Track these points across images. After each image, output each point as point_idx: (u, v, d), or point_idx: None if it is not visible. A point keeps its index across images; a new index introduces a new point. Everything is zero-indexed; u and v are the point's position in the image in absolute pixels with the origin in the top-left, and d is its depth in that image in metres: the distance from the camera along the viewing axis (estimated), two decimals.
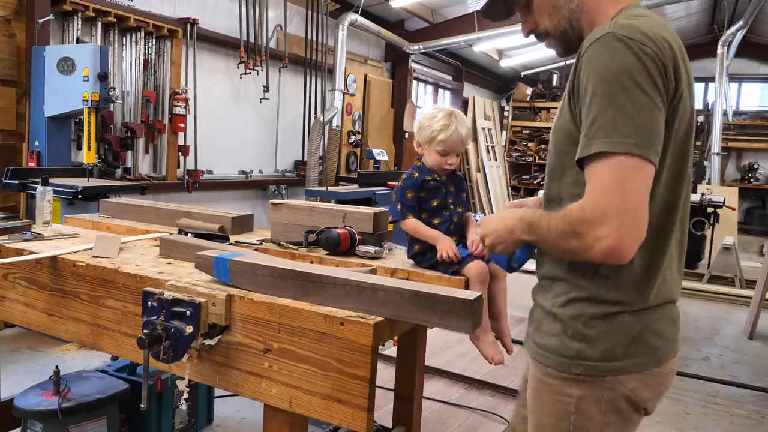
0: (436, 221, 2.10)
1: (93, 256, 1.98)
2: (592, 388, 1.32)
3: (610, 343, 1.31)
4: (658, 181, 1.26)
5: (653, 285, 1.33)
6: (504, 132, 14.98)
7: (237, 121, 7.76)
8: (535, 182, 14.14)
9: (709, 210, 7.99)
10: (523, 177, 14.64)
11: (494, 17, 1.63)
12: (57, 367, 2.65)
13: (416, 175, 2.11)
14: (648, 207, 1.21)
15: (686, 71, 1.29)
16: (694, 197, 8.22)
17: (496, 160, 13.43)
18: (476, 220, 2.11)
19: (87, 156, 4.73)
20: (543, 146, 14.56)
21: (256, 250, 2.13)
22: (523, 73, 15.44)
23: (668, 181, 1.30)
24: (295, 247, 2.20)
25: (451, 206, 2.13)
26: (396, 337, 2.44)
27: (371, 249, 2.14)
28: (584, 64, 1.25)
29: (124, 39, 6.07)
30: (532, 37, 1.55)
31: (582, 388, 1.32)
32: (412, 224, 2.07)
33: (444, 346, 3.94)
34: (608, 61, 1.20)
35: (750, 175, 14.16)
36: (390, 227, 2.37)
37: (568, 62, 11.27)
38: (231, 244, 2.20)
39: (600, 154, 1.18)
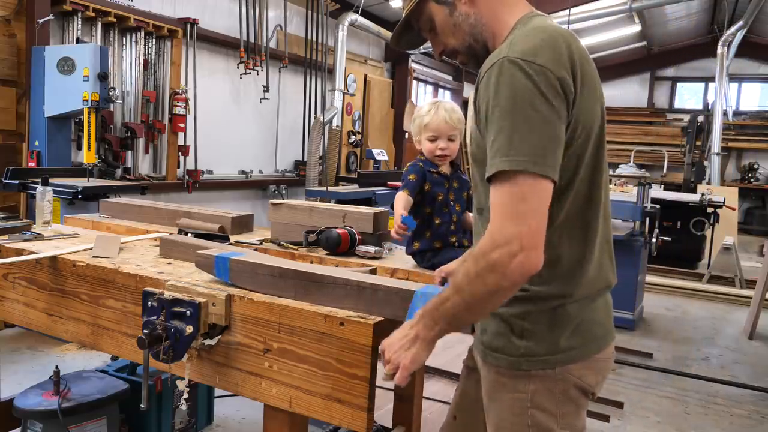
0: (437, 220, 2.10)
1: (93, 256, 1.98)
2: (545, 382, 1.38)
3: (555, 337, 1.37)
4: (576, 178, 1.34)
5: (588, 273, 1.40)
6: None
7: (237, 121, 7.77)
8: None
9: (709, 210, 7.98)
10: None
11: (407, 47, 1.71)
12: (57, 367, 2.65)
13: (421, 164, 2.14)
14: (566, 208, 1.34)
15: (589, 75, 1.35)
16: (695, 197, 8.24)
17: None
18: None
19: (87, 156, 4.73)
20: None
21: (256, 250, 2.13)
22: None
23: (586, 177, 1.37)
24: (295, 247, 2.20)
25: (452, 203, 2.13)
26: None
27: (371, 249, 2.14)
28: (482, 88, 1.31)
29: (124, 39, 6.07)
30: None
31: (535, 383, 1.38)
32: (397, 197, 2.09)
33: (444, 346, 3.93)
34: (503, 84, 1.26)
35: (750, 175, 14.14)
36: (390, 227, 2.37)
37: None
38: (231, 244, 2.20)
39: (500, 174, 1.23)
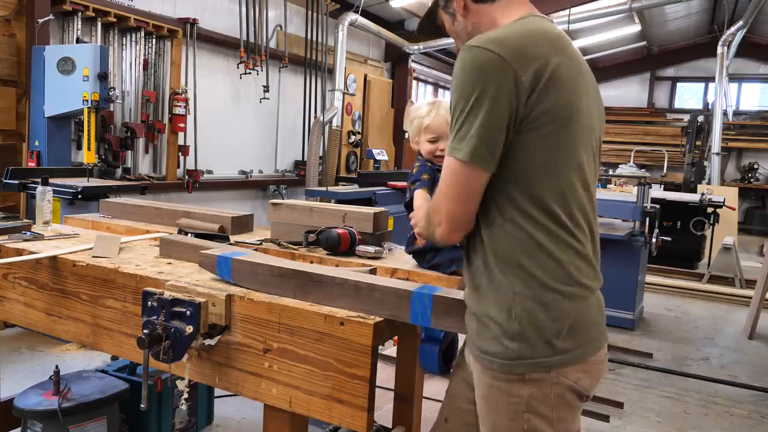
0: None
1: (93, 256, 1.98)
2: (540, 386, 1.36)
3: (548, 338, 1.35)
4: (546, 174, 1.36)
5: (576, 267, 1.38)
6: None
7: (237, 121, 7.76)
8: None
9: (709, 210, 7.98)
10: None
11: (433, 36, 1.86)
12: (57, 367, 2.65)
13: (429, 164, 2.09)
14: (533, 198, 1.35)
15: (572, 72, 1.38)
16: (695, 197, 8.24)
17: None
18: None
19: (87, 156, 4.73)
20: None
21: (256, 250, 2.13)
22: None
23: (556, 174, 1.37)
24: (295, 247, 2.20)
25: None
26: (396, 337, 2.43)
27: (371, 249, 2.14)
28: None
29: (124, 39, 6.07)
30: None
31: (530, 387, 1.36)
32: (418, 195, 1.99)
33: None
34: (458, 71, 1.35)
35: (750, 175, 14.14)
36: (390, 227, 2.37)
37: None
38: (231, 244, 2.20)
39: (448, 156, 1.37)
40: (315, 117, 8.40)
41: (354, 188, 6.65)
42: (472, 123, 1.31)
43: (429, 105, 2.15)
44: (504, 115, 1.31)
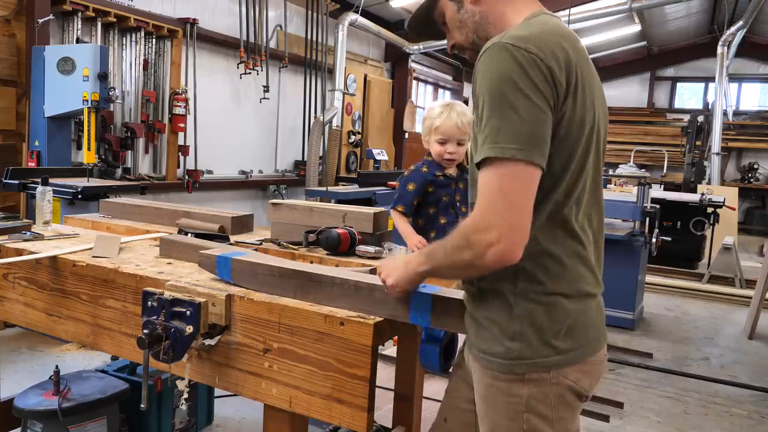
0: (442, 220, 2.10)
1: (93, 256, 1.98)
2: (539, 386, 1.36)
3: (547, 338, 1.34)
4: (565, 175, 1.33)
5: (577, 271, 1.38)
6: None
7: (237, 121, 7.77)
8: None
9: (709, 210, 7.98)
10: None
11: (422, 36, 1.78)
12: (57, 367, 2.65)
13: (425, 169, 2.11)
14: (546, 205, 1.32)
15: (588, 79, 1.35)
16: (695, 197, 8.23)
17: None
18: None
19: (87, 156, 4.73)
20: None
21: (256, 250, 2.13)
22: None
23: (575, 176, 1.36)
24: (295, 247, 2.20)
25: (458, 204, 2.12)
26: (396, 337, 2.43)
27: (371, 249, 2.14)
28: (476, 75, 1.32)
29: (124, 39, 6.07)
30: None
31: (529, 387, 1.36)
32: (396, 216, 2.08)
33: None
34: (493, 69, 1.27)
35: (750, 175, 14.14)
36: (390, 227, 2.37)
37: None
38: (231, 244, 2.20)
39: (487, 160, 1.24)
40: (315, 117, 8.40)
41: (354, 188, 6.65)
42: (519, 121, 1.22)
43: (442, 107, 2.16)
44: (549, 116, 1.26)
